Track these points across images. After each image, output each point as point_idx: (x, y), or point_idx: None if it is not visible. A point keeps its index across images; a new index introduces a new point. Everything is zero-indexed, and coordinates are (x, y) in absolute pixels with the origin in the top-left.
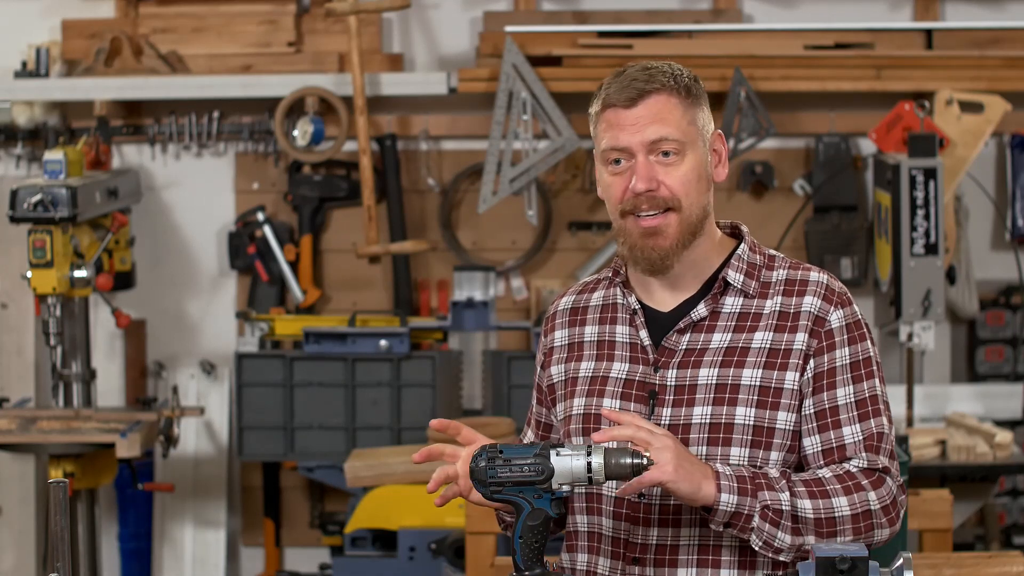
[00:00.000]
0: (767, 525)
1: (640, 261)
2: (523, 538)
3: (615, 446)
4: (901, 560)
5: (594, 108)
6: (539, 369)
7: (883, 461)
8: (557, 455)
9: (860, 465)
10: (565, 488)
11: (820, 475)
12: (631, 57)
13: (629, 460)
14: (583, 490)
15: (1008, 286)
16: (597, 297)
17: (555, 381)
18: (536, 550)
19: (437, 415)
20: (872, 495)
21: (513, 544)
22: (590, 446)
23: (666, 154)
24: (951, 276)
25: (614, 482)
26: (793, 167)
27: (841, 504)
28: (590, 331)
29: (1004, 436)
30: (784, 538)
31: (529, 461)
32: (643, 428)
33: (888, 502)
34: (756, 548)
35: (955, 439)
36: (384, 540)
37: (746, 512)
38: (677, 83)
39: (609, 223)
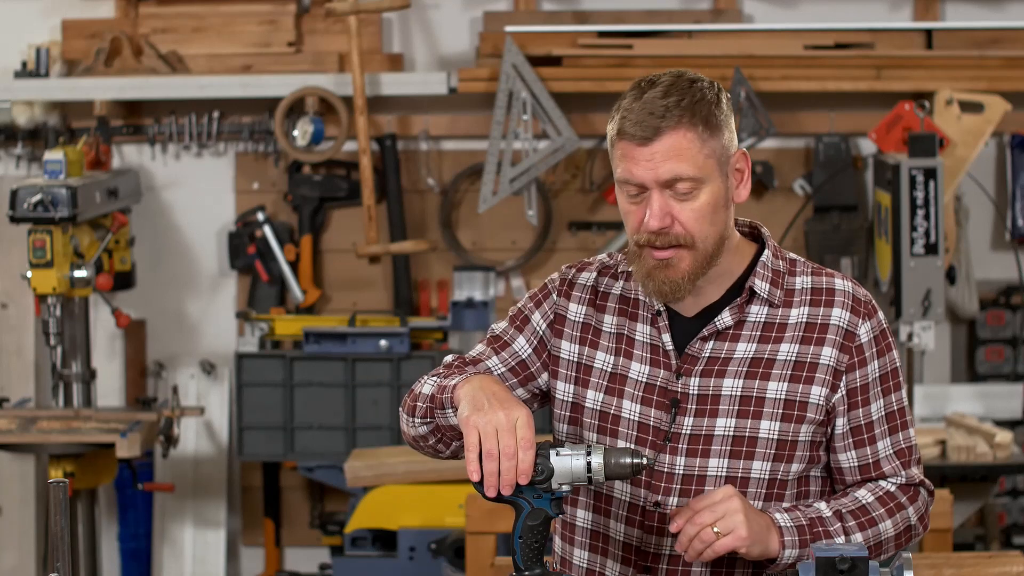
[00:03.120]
0: None
1: (652, 292)
2: (523, 538)
3: (616, 445)
4: (901, 560)
5: (610, 130)
6: (537, 316)
7: (917, 474)
8: (557, 455)
9: (899, 482)
10: (565, 488)
11: (864, 501)
12: (631, 57)
13: (629, 460)
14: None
15: (1008, 286)
16: (618, 287)
17: (563, 357)
18: (536, 550)
19: None
20: (910, 510)
21: (513, 544)
22: (590, 445)
23: (681, 191)
24: (951, 276)
25: (628, 485)
26: (793, 167)
27: (887, 528)
28: (609, 320)
29: (1004, 436)
30: None
31: None
32: (704, 508)
33: (923, 511)
34: None
35: (955, 439)
36: (384, 540)
37: (796, 563)
38: (696, 115)
39: (609, 223)
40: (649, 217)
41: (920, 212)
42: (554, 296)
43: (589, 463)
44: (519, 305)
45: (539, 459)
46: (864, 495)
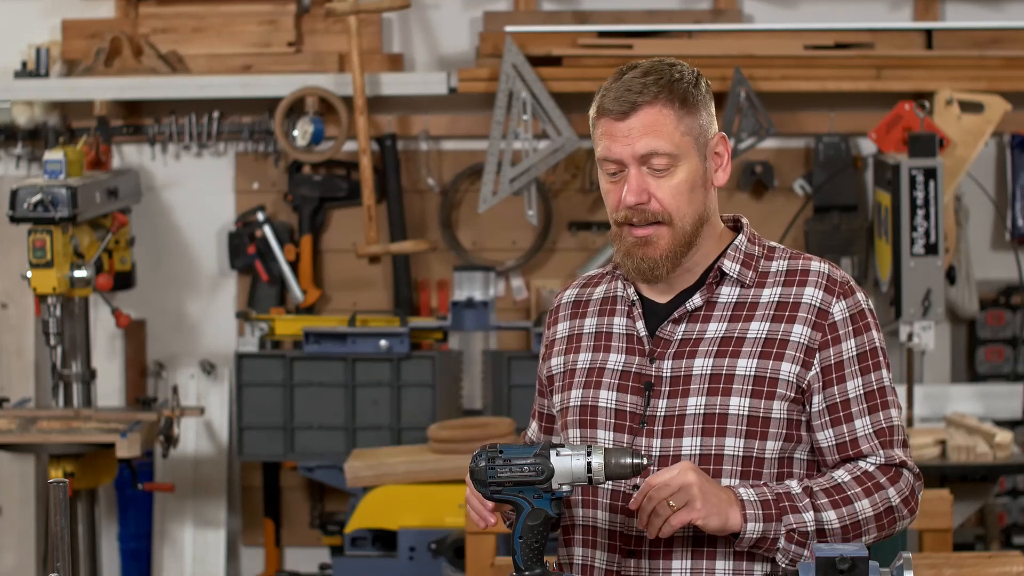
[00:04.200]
0: (793, 546)
1: (631, 270)
2: (523, 538)
3: (615, 446)
4: (901, 560)
5: (592, 112)
6: (540, 361)
7: (899, 455)
8: (557, 455)
9: (877, 462)
10: (565, 488)
11: (840, 480)
12: (631, 57)
13: (629, 460)
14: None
15: (1008, 286)
16: (600, 291)
17: (554, 372)
18: (536, 550)
19: (437, 415)
20: (892, 491)
21: (513, 544)
22: (590, 446)
23: (657, 167)
24: (951, 276)
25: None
26: (793, 167)
27: (864, 507)
28: (589, 323)
29: (1004, 436)
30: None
31: (529, 461)
32: (659, 484)
33: (907, 494)
34: (782, 565)
35: (955, 439)
36: (384, 540)
37: (771, 536)
38: (673, 92)
39: (609, 223)
40: (626, 192)
41: (920, 212)
42: (546, 332)
43: (589, 463)
44: (538, 367)
45: (539, 459)
46: (840, 474)
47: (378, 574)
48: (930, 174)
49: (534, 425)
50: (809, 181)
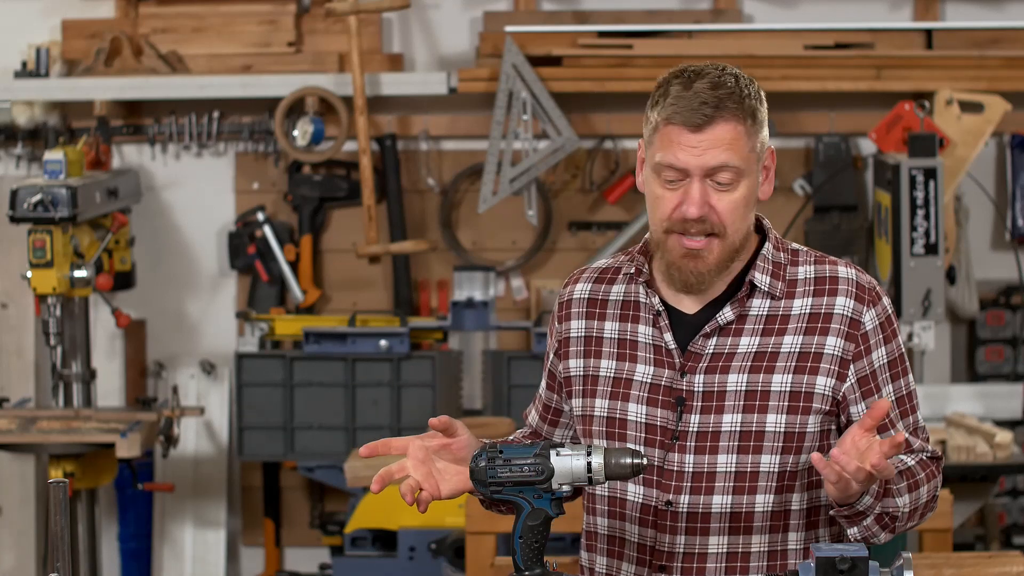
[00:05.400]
0: (876, 526)
1: (676, 281)
2: (523, 538)
3: (616, 446)
4: (901, 560)
5: (655, 115)
6: (552, 356)
7: (935, 450)
8: (557, 455)
9: (927, 455)
10: (565, 488)
11: (908, 464)
12: (631, 57)
13: (629, 460)
14: (592, 490)
15: (1008, 286)
16: (617, 291)
17: (572, 375)
18: (536, 550)
19: (437, 415)
20: (938, 480)
21: (513, 544)
22: (590, 446)
23: (723, 181)
24: (951, 276)
25: (640, 487)
26: (793, 167)
27: (923, 493)
28: (610, 327)
29: (1004, 436)
30: (881, 536)
31: (529, 461)
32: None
33: (940, 484)
34: (850, 535)
35: (955, 439)
36: (384, 540)
37: (864, 511)
38: (744, 109)
39: (609, 223)
40: (688, 204)
41: (920, 212)
42: (557, 326)
43: (589, 463)
44: (545, 359)
45: (539, 459)
46: (910, 462)
47: (378, 574)
48: (930, 174)
49: (534, 412)
50: (809, 181)
